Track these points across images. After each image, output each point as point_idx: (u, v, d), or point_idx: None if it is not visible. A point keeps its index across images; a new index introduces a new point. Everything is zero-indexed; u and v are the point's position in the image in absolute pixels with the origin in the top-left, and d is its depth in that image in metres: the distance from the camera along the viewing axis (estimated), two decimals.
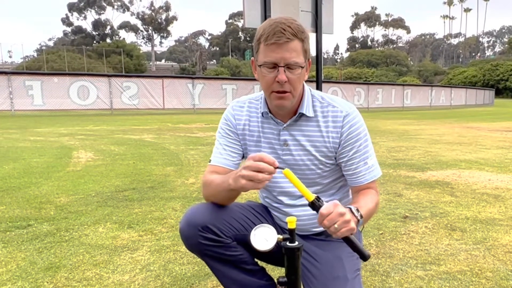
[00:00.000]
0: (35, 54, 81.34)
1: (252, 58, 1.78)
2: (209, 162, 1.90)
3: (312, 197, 1.49)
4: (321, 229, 1.91)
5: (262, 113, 1.85)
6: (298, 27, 1.63)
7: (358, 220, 1.58)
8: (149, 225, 3.70)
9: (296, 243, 1.50)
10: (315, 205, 1.48)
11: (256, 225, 1.58)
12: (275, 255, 1.71)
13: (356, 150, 1.79)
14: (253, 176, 1.47)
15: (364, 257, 1.52)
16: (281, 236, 1.51)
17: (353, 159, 1.80)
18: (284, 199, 1.91)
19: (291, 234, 1.50)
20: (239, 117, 1.91)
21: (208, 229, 1.73)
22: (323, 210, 1.46)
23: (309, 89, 1.86)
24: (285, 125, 1.82)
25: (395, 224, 3.75)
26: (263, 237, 1.51)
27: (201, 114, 22.03)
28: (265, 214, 1.99)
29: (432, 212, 4.09)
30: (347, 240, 1.50)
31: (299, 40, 1.63)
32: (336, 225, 1.44)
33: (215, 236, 1.74)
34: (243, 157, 1.95)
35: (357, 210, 1.60)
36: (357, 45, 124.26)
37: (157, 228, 3.62)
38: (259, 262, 1.95)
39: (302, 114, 1.80)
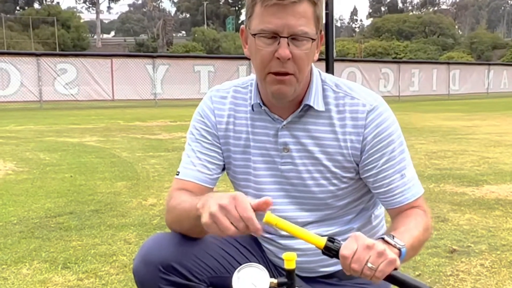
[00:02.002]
0: None
1: (242, 26, 1.77)
2: (177, 175, 1.89)
3: (323, 240, 1.47)
4: (332, 269, 1.89)
5: (253, 106, 1.84)
6: None
7: (400, 250, 1.53)
8: (93, 264, 3.69)
9: None
10: (331, 249, 1.46)
11: (240, 264, 1.58)
12: None
13: (389, 158, 1.77)
14: (220, 221, 1.45)
15: None
16: (275, 280, 1.50)
17: (385, 170, 1.77)
18: None
19: (290, 276, 1.49)
20: (221, 112, 1.90)
21: (172, 269, 1.72)
22: (343, 251, 1.43)
23: (319, 73, 1.85)
24: (285, 123, 1.80)
25: (438, 261, 3.76)
26: (250, 281, 1.50)
27: (165, 107, 22.06)
28: (253, 248, 1.98)
29: (490, 244, 4.10)
30: (393, 280, 1.46)
31: (311, 3, 1.62)
32: (369, 264, 1.41)
33: (182, 279, 1.73)
34: (224, 169, 1.94)
35: (393, 237, 1.56)
36: (383, 9, 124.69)
37: (103, 268, 3.61)
38: None
39: (309, 107, 1.78)
